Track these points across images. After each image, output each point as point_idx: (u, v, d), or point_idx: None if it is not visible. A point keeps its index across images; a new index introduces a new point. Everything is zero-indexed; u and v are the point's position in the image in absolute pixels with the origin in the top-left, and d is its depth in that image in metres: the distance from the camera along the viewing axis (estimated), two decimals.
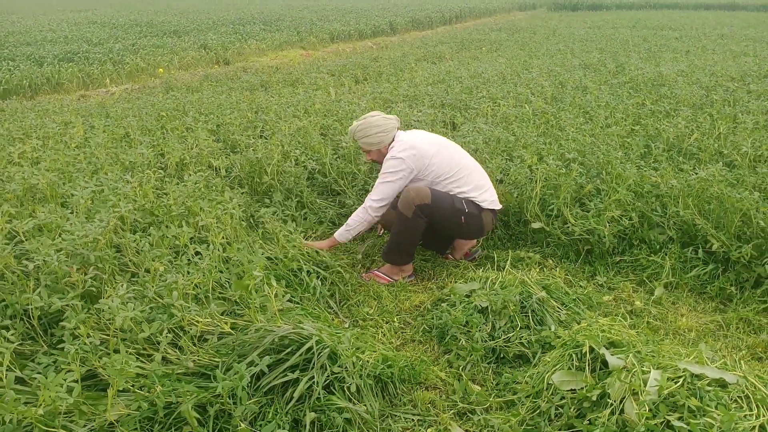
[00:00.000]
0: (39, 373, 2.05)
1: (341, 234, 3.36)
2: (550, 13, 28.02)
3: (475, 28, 19.62)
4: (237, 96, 7.15)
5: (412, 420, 2.26)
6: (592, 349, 2.21)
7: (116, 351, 2.08)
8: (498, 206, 3.45)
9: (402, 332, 2.90)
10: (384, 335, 2.85)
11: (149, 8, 26.22)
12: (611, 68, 8.52)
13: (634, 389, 1.96)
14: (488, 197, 3.39)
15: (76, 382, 1.86)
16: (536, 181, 3.65)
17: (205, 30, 16.46)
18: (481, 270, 3.22)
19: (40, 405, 1.76)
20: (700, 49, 11.43)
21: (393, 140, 3.39)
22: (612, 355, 2.16)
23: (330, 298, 3.10)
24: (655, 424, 1.85)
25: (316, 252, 3.26)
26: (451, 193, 3.32)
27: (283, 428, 2.03)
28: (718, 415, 1.84)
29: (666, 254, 3.33)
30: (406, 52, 12.21)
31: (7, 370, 1.85)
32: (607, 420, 1.91)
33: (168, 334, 2.18)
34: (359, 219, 3.33)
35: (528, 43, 13.49)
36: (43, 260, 2.43)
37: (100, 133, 4.77)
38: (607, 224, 3.39)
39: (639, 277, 3.29)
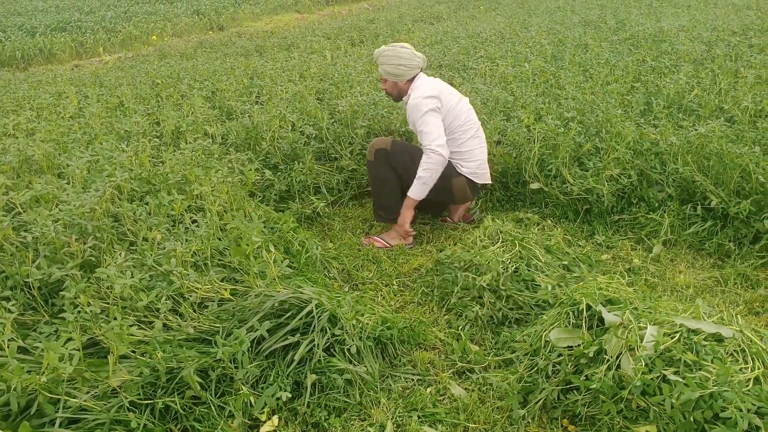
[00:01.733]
0: (41, 342, 2.07)
1: (417, 191, 3.22)
2: None
3: None
4: (232, 62, 7.06)
5: (412, 380, 2.28)
6: (589, 307, 2.22)
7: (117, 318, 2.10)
8: (480, 180, 3.40)
9: (401, 295, 2.91)
10: (383, 298, 2.87)
11: None
12: (611, 25, 8.37)
13: (630, 345, 1.98)
14: (471, 166, 3.35)
15: (78, 350, 1.88)
16: (534, 141, 3.62)
17: None
18: (478, 231, 3.20)
19: (43, 372, 1.78)
20: (701, 3, 11.21)
21: (413, 79, 3.34)
22: (609, 312, 2.18)
23: (329, 264, 3.11)
24: (651, 378, 1.87)
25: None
26: None
27: (285, 390, 2.06)
28: (714, 368, 1.86)
29: (665, 212, 3.32)
30: (402, 13, 12.01)
31: (9, 339, 1.87)
32: (604, 375, 1.93)
33: (168, 301, 2.19)
34: (430, 166, 3.16)
35: (527, 0, 13.24)
36: (41, 231, 2.43)
37: (95, 103, 4.73)
38: (606, 183, 3.37)
39: (638, 235, 3.29)
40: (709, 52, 6.12)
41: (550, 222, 3.45)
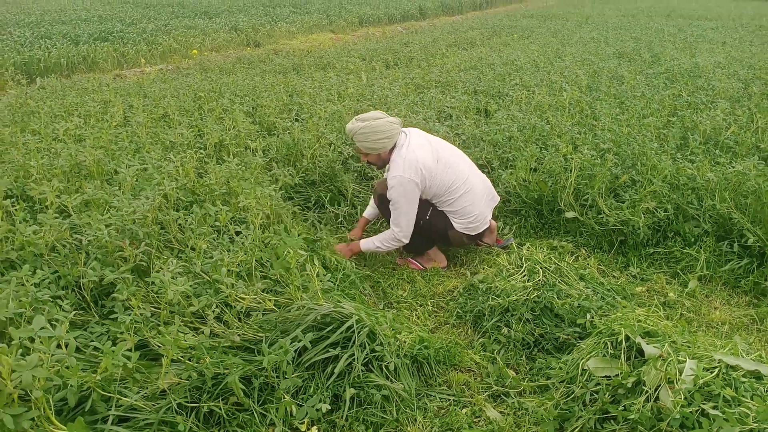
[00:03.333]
0: (93, 341, 2.15)
1: (369, 248, 3.27)
2: None
3: (506, 14, 19.42)
4: (271, 79, 7.22)
5: (448, 400, 2.32)
6: (627, 338, 2.24)
7: (167, 323, 2.17)
8: (476, 231, 3.30)
9: (435, 315, 2.95)
10: (418, 318, 2.91)
11: None
12: (646, 58, 8.40)
13: (669, 378, 1.99)
14: (464, 222, 3.26)
15: (130, 350, 1.96)
16: (571, 171, 3.66)
17: (236, 12, 16.55)
18: (513, 257, 3.23)
19: (99, 371, 1.85)
20: (737, 40, 11.20)
21: (395, 146, 3.17)
22: (647, 344, 2.19)
23: (364, 281, 3.16)
24: (690, 412, 1.88)
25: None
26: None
27: (324, 402, 2.11)
28: (754, 405, 1.87)
29: (701, 247, 3.32)
30: (436, 38, 12.16)
31: (66, 338, 1.94)
32: (642, 407, 1.95)
33: (215, 309, 2.26)
34: (389, 245, 3.23)
35: (560, 30, 13.33)
36: (95, 234, 2.53)
37: (140, 113, 4.87)
38: (642, 215, 3.39)
39: (673, 269, 3.30)
40: (746, 89, 6.12)
41: (584, 251, 3.47)
